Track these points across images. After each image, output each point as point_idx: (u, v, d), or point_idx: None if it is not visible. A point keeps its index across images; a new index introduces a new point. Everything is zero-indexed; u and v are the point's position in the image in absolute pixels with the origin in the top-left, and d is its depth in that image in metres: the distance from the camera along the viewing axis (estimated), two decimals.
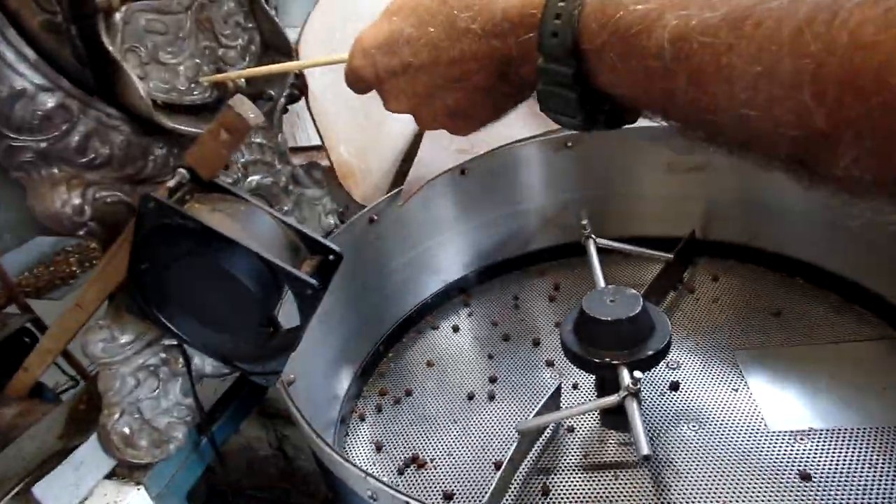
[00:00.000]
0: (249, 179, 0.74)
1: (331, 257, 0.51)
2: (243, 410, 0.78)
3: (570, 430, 0.75)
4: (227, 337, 0.53)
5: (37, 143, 0.52)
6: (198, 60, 0.65)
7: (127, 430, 0.63)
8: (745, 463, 0.67)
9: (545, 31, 0.35)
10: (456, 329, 0.97)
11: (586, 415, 0.76)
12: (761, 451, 0.68)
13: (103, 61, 0.52)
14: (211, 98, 0.65)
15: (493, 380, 0.85)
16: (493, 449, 0.75)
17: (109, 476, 0.65)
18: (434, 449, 0.77)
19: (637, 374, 0.65)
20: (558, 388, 0.75)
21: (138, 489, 0.63)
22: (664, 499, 0.64)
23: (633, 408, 0.64)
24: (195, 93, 0.64)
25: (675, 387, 0.78)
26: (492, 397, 0.83)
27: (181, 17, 0.62)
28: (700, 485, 0.65)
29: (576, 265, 1.04)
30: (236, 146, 0.47)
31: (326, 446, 0.52)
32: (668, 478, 0.67)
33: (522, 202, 1.04)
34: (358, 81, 0.48)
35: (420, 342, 0.96)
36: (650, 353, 0.68)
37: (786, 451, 0.67)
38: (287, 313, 0.59)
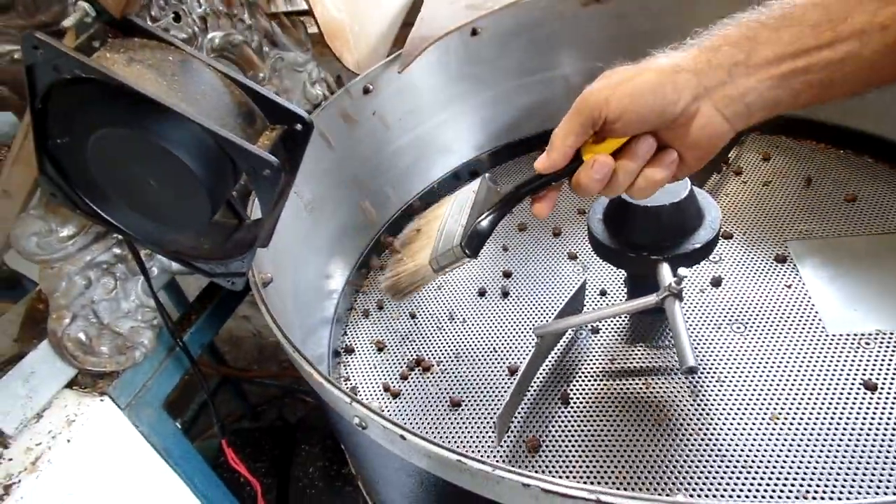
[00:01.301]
0: (210, 36, 0.60)
1: (298, 126, 0.39)
2: (224, 309, 0.69)
3: (595, 331, 0.66)
4: (178, 230, 0.42)
5: None
6: None
7: (83, 336, 0.55)
8: (798, 371, 0.58)
9: None
10: None
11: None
12: (818, 358, 0.58)
13: None
14: None
15: (507, 274, 0.76)
16: (507, 352, 0.66)
17: (70, 385, 0.57)
18: (441, 351, 0.69)
19: (682, 270, 0.54)
20: (582, 286, 0.66)
21: (102, 400, 0.56)
22: (703, 411, 0.56)
23: (675, 310, 0.54)
24: None
25: (716, 283, 0.68)
26: (505, 294, 0.73)
27: None
28: (746, 396, 0.57)
29: None
30: None
31: (306, 362, 0.42)
32: (709, 387, 0.58)
33: (545, 69, 0.89)
34: None
35: None
36: (696, 245, 0.57)
37: (847, 357, 0.58)
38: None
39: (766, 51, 0.42)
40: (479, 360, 0.67)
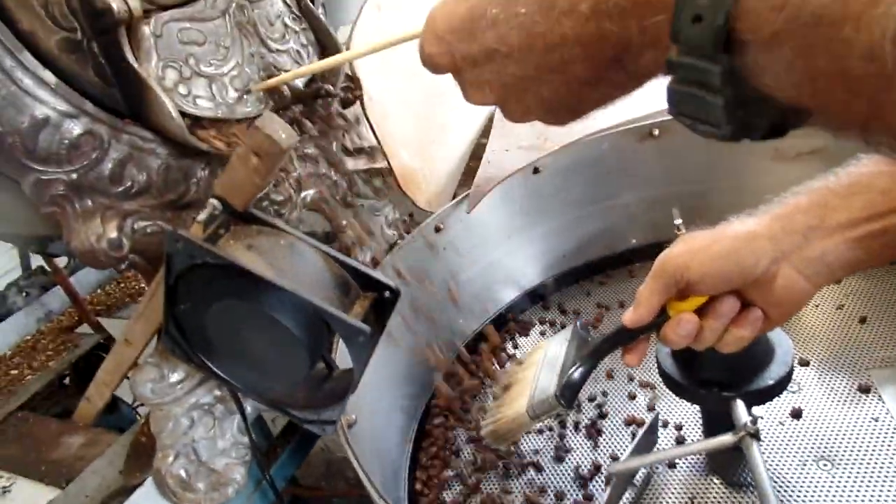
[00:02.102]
0: (303, 195, 0.68)
1: (386, 294, 0.44)
2: (307, 442, 0.73)
3: (672, 466, 0.65)
4: (277, 382, 0.47)
5: (67, 174, 0.48)
6: (247, 69, 0.59)
7: (183, 473, 0.59)
8: None
9: (683, 13, 0.25)
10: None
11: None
12: None
13: (130, 80, 0.47)
14: (266, 109, 0.60)
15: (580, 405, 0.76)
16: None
17: None
18: (517, 480, 0.69)
19: (757, 410, 0.54)
20: (654, 421, 0.65)
21: None
22: None
23: (753, 452, 0.53)
24: (248, 105, 0.58)
25: (796, 414, 0.66)
26: (576, 425, 0.73)
27: (218, 22, 0.56)
28: None
29: None
30: (270, 172, 0.41)
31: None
32: None
33: (605, 199, 0.93)
34: (434, 69, 0.40)
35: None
36: (770, 382, 0.56)
37: None
38: (345, 351, 0.52)
39: (840, 216, 0.44)
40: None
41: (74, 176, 0.48)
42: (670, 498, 0.62)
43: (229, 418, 0.61)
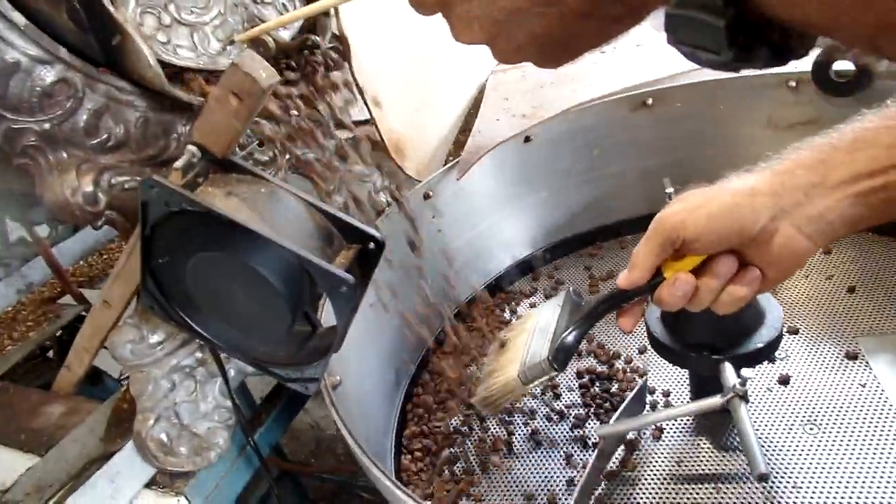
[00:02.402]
0: (288, 156, 0.67)
1: (371, 245, 0.43)
2: (292, 408, 0.72)
3: (659, 430, 0.65)
4: (259, 339, 0.46)
5: (39, 123, 0.46)
6: (230, 19, 0.57)
7: (164, 437, 0.58)
8: (878, 477, 0.55)
9: None
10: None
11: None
12: None
13: (106, 25, 0.45)
14: None
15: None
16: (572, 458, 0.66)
17: (149, 485, 0.60)
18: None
19: (745, 371, 0.54)
20: (643, 385, 0.65)
21: (178, 499, 0.58)
22: None
23: (741, 413, 0.53)
24: (231, 56, 0.56)
25: (784, 381, 0.66)
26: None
27: None
28: (823, 502, 0.54)
29: None
30: (250, 114, 0.39)
31: (374, 466, 0.44)
32: (783, 492, 0.56)
33: (596, 169, 0.92)
34: (421, 7, 0.38)
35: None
36: (759, 345, 0.56)
37: None
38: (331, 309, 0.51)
39: (842, 171, 0.43)
40: (544, 460, 0.66)
41: (47, 126, 0.46)
42: (658, 462, 0.62)
43: (211, 381, 0.60)
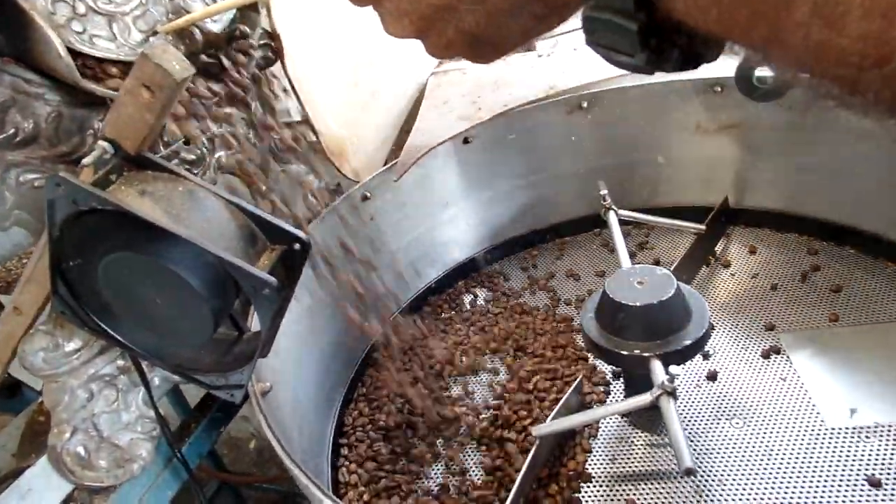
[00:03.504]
0: (217, 156, 0.64)
1: (296, 246, 0.41)
2: (224, 417, 0.69)
3: (595, 428, 0.66)
4: (181, 345, 0.44)
5: None
6: (153, 10, 0.54)
7: (82, 450, 0.55)
8: (800, 467, 0.57)
9: None
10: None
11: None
12: (819, 453, 0.58)
13: (11, 13, 0.43)
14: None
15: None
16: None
17: (66, 502, 0.56)
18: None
19: (673, 368, 0.55)
20: (579, 383, 0.66)
21: None
22: None
23: (669, 409, 0.54)
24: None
25: (712, 377, 0.68)
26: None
27: None
28: (749, 494, 0.56)
29: (597, 241, 0.94)
30: (164, 108, 0.37)
31: (303, 475, 0.43)
32: (711, 486, 0.57)
33: (534, 172, 0.93)
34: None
35: None
36: (687, 343, 0.58)
37: (848, 452, 0.57)
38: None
39: None
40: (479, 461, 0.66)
41: None
42: (592, 459, 0.63)
43: (134, 390, 0.57)
